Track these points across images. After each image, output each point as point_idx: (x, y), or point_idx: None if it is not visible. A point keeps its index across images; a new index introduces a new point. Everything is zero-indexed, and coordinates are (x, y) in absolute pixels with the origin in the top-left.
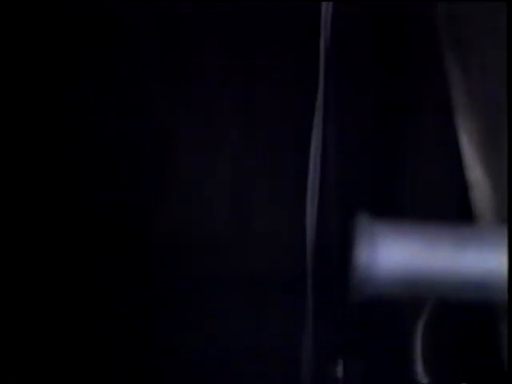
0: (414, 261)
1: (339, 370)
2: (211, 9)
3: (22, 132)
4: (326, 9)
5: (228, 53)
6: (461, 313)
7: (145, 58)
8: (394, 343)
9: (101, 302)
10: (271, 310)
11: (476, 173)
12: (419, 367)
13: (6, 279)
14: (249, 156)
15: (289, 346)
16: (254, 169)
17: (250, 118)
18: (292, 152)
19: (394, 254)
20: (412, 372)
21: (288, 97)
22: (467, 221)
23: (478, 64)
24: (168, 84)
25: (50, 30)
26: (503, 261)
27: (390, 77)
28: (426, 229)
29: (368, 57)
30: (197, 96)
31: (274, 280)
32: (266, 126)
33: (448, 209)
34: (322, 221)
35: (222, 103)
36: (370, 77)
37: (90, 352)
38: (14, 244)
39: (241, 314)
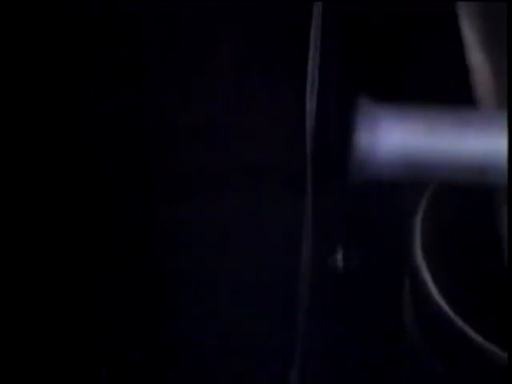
0: (415, 144)
1: (339, 258)
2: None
3: (24, 127)
4: (317, 8)
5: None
6: (461, 198)
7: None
8: (393, 231)
9: None
10: (271, 204)
11: (477, 57)
12: (418, 253)
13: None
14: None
15: (289, 238)
16: (255, 61)
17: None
18: (292, 40)
19: (394, 137)
20: (411, 258)
21: None
22: (468, 106)
23: None
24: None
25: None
26: (503, 144)
27: None
28: (427, 112)
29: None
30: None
31: (274, 173)
32: None
33: (449, 94)
34: (322, 108)
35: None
36: None
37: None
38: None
39: (240, 210)
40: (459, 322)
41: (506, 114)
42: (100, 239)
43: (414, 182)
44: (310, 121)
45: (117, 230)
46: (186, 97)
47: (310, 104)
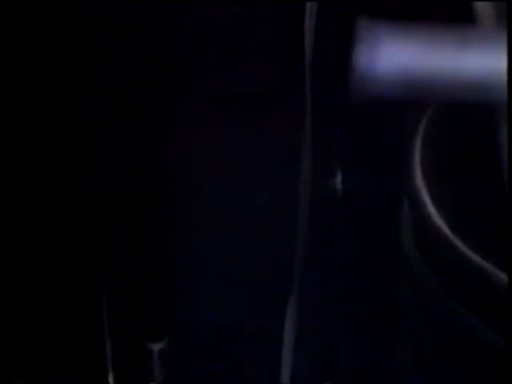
0: (415, 61)
1: (338, 181)
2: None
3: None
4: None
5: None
6: (462, 119)
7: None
8: (393, 153)
9: None
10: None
11: None
12: (418, 174)
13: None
14: None
15: (289, 158)
16: None
17: None
18: None
19: (395, 54)
20: (410, 179)
21: None
22: (468, 24)
23: None
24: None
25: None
26: (503, 61)
27: None
28: (427, 30)
29: None
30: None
31: (274, 99)
32: None
33: (450, 13)
34: (321, 27)
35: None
36: None
37: None
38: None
39: (240, 135)
40: (458, 242)
41: (505, 32)
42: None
43: (414, 102)
44: (308, 39)
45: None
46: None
47: (310, 22)
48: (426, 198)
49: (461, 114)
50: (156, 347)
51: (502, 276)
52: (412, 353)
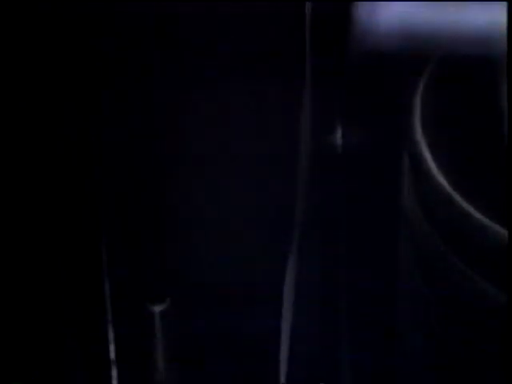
0: (416, 14)
1: (338, 137)
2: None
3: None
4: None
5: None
6: (461, 74)
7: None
8: (393, 109)
9: None
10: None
11: None
12: (418, 129)
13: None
14: None
15: (288, 121)
16: None
17: None
18: None
19: (395, 7)
20: (411, 134)
21: None
22: None
23: None
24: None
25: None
26: (503, 15)
27: None
28: None
29: None
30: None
31: (274, 60)
32: None
33: None
34: None
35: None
36: None
37: None
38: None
39: (240, 97)
40: (458, 197)
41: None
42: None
43: (413, 55)
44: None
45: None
46: None
47: None
48: (426, 154)
49: (460, 68)
50: (157, 309)
51: (502, 231)
52: (412, 310)
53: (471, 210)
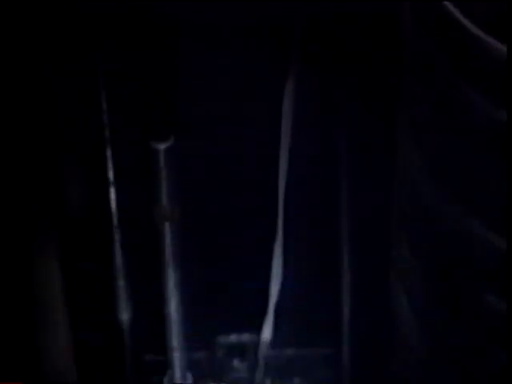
0: None
1: None
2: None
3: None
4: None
5: None
6: None
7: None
8: None
9: None
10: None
11: None
12: None
13: None
14: None
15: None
16: None
17: None
18: None
19: None
20: None
21: None
22: None
23: None
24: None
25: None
26: None
27: None
28: None
29: None
30: None
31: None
32: None
33: None
34: None
35: None
36: None
37: None
38: None
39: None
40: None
41: None
42: None
43: None
44: None
45: None
46: None
47: None
48: None
49: None
50: (162, 146)
51: (501, 47)
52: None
53: (467, 22)
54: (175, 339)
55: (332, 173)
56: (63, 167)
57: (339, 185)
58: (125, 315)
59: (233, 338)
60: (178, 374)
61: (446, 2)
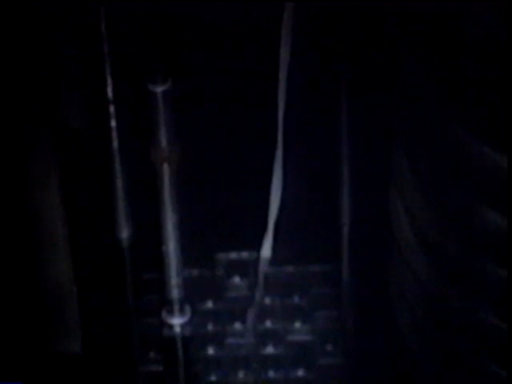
0: None
1: None
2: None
3: None
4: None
5: None
6: None
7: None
8: None
9: None
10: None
11: None
12: None
13: None
14: None
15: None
16: None
17: None
18: None
19: None
20: None
21: None
22: None
23: None
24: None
25: None
26: None
27: None
28: None
29: None
30: None
31: None
32: None
33: None
34: None
35: None
36: None
37: None
38: None
39: None
40: None
41: None
42: None
43: None
44: None
45: None
46: None
47: None
48: None
49: None
50: (159, 89)
51: None
52: None
53: None
54: (174, 258)
55: (332, 92)
56: (63, 90)
57: (339, 101)
58: (124, 234)
59: (232, 255)
60: (176, 292)
61: None
